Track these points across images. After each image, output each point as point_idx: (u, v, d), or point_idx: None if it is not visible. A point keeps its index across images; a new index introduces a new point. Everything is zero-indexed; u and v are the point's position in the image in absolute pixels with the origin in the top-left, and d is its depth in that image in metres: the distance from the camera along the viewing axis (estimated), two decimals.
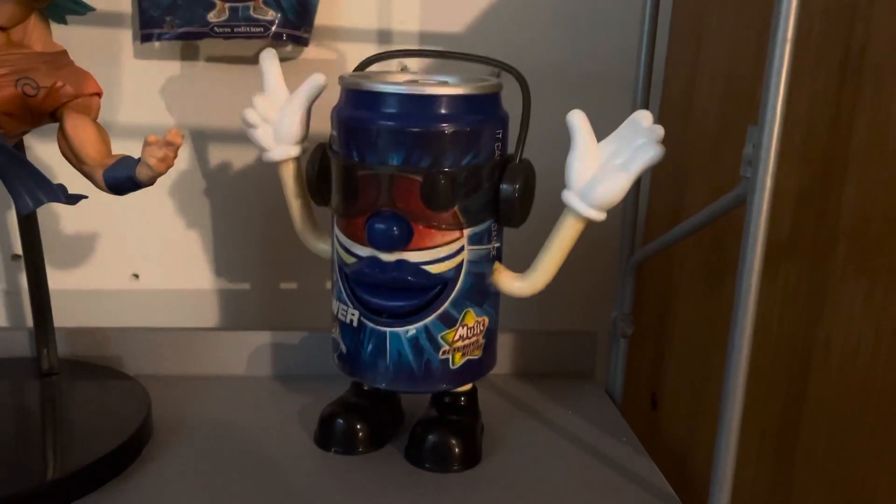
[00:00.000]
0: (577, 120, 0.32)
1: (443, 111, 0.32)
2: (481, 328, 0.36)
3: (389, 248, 0.33)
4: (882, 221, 0.28)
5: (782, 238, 0.34)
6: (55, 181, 0.31)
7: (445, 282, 0.34)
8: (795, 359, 0.33)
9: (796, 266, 0.33)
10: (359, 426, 0.37)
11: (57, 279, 0.42)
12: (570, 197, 0.33)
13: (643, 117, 0.32)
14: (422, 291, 0.34)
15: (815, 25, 0.32)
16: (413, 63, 0.49)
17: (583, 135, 0.32)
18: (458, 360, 0.35)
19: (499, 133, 0.34)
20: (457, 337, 0.35)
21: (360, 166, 0.33)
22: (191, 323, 0.53)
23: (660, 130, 0.32)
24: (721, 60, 0.42)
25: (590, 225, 0.34)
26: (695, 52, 0.45)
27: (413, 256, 0.33)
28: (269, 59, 0.37)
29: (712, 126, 0.43)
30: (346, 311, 0.35)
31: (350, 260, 0.34)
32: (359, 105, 0.33)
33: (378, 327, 0.34)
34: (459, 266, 0.34)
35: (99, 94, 0.33)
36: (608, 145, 0.33)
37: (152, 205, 0.51)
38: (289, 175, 0.37)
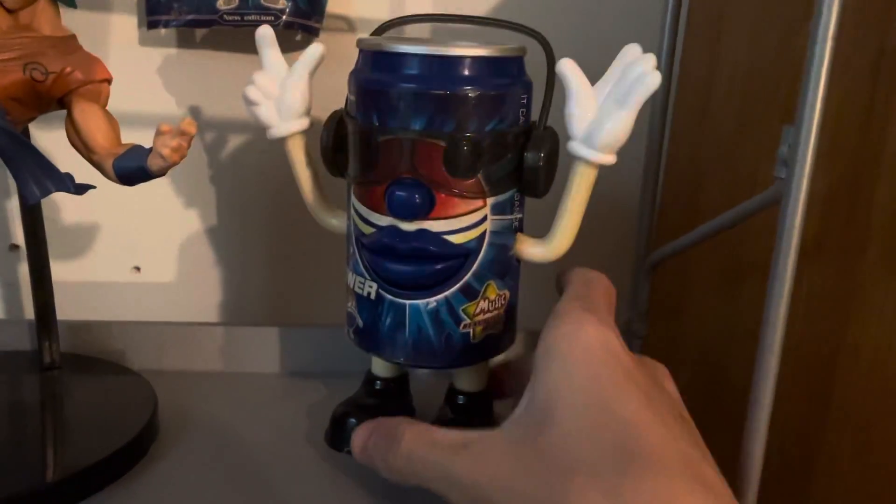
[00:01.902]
0: (568, 68, 0.31)
1: (468, 73, 0.31)
2: (502, 302, 0.35)
3: (411, 217, 0.32)
4: None
5: (807, 240, 0.33)
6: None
7: (468, 252, 0.33)
8: (820, 363, 0.32)
9: (821, 268, 0.32)
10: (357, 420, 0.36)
11: (55, 271, 0.41)
12: (575, 146, 0.32)
13: (632, 49, 0.31)
14: (444, 262, 0.33)
15: (845, 26, 0.31)
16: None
17: (576, 81, 0.31)
18: (479, 335, 0.34)
19: (524, 98, 0.33)
20: (478, 310, 0.34)
21: (381, 131, 0.31)
22: (192, 317, 0.52)
23: (652, 58, 0.30)
24: (741, 56, 0.41)
25: (600, 171, 0.32)
26: (713, 47, 0.44)
27: (435, 226, 0.32)
28: (266, 37, 0.35)
29: (730, 124, 0.42)
30: (364, 284, 0.34)
31: (368, 230, 0.33)
32: (379, 67, 0.32)
33: (397, 300, 0.33)
34: (482, 236, 0.33)
35: (108, 81, 0.32)
36: (603, 86, 0.31)
37: (154, 196, 0.50)
38: (297, 150, 0.36)
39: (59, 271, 0.49)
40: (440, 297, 0.33)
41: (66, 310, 0.43)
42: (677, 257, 0.42)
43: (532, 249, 0.35)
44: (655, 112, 0.41)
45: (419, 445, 0.30)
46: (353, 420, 0.36)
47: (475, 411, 0.37)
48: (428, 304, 0.33)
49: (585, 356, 0.28)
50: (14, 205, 0.49)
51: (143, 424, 0.35)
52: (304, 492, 0.33)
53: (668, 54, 0.41)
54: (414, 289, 0.33)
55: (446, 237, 0.32)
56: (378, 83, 0.32)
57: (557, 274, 0.37)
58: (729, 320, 0.41)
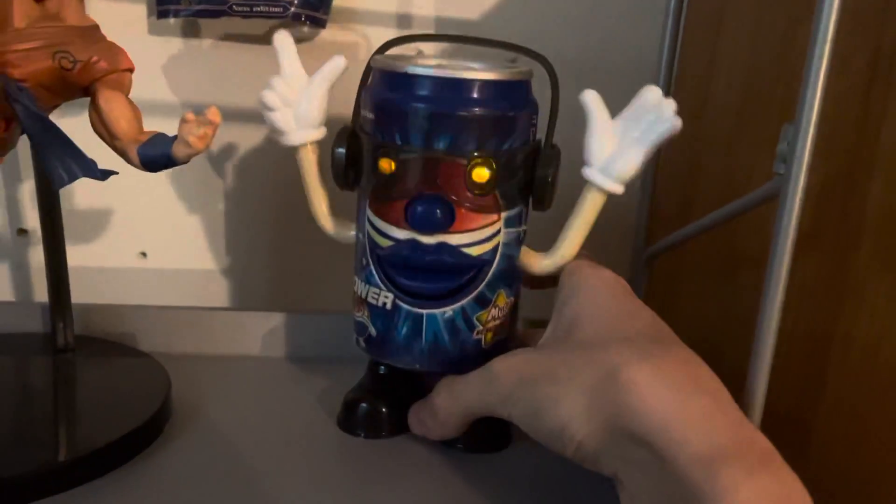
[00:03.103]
0: (592, 100, 0.34)
1: (488, 96, 0.33)
2: (509, 309, 0.37)
3: (432, 231, 0.33)
4: None
5: (802, 234, 0.35)
6: None
7: (483, 263, 0.35)
8: (813, 354, 0.34)
9: (815, 261, 0.34)
10: (384, 409, 0.37)
11: None
12: (592, 173, 0.34)
13: (652, 92, 0.33)
14: (461, 273, 0.35)
15: (843, 26, 0.33)
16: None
17: (598, 113, 0.33)
18: (490, 340, 0.36)
19: (534, 119, 0.35)
20: (490, 317, 0.36)
21: (403, 150, 0.33)
22: (197, 303, 0.53)
23: (673, 104, 0.33)
24: (739, 55, 0.42)
25: (609, 199, 0.35)
26: (712, 45, 0.45)
27: (454, 239, 0.34)
28: (285, 40, 0.36)
29: (727, 121, 0.43)
30: (378, 295, 0.35)
31: (385, 243, 0.34)
32: (402, 88, 0.33)
33: (414, 309, 0.35)
34: (495, 248, 0.35)
35: (131, 70, 0.33)
36: (622, 122, 0.34)
37: (161, 183, 0.51)
38: (310, 159, 0.36)
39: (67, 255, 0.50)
40: (456, 306, 0.35)
41: (73, 293, 0.43)
42: (673, 250, 0.43)
43: (540, 262, 0.36)
44: None
45: (447, 386, 0.35)
46: (364, 405, 0.37)
47: None
48: (444, 312, 0.35)
49: (607, 284, 0.33)
50: (23, 190, 0.49)
51: (158, 405, 0.36)
52: (315, 471, 0.34)
53: (669, 51, 0.42)
54: (432, 299, 0.35)
55: (464, 249, 0.34)
56: (402, 104, 0.33)
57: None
58: (724, 311, 0.42)
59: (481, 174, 0.33)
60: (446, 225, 0.33)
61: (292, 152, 0.36)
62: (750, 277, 0.40)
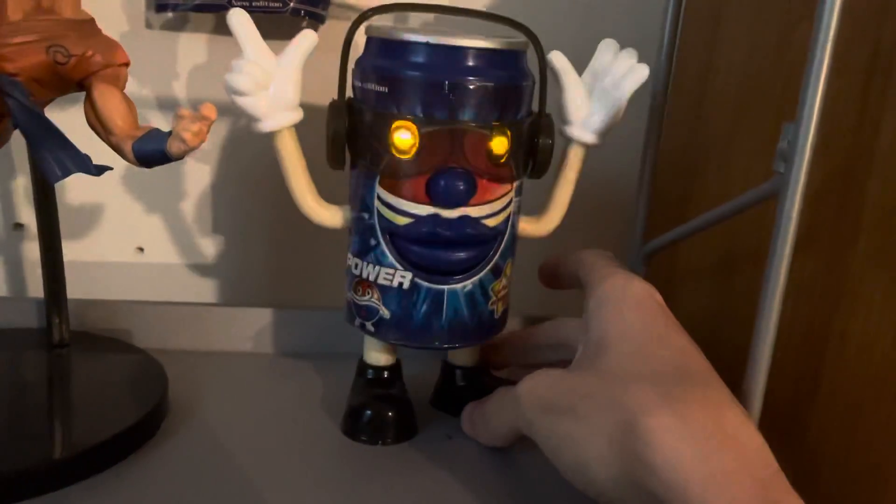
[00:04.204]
0: (559, 60, 0.36)
1: (507, 65, 0.33)
2: (511, 277, 0.37)
3: (457, 204, 0.33)
4: None
5: (800, 232, 0.35)
6: None
7: (497, 234, 0.35)
8: (809, 350, 0.34)
9: (812, 259, 0.34)
10: (390, 413, 0.37)
11: None
12: (574, 130, 0.36)
13: (612, 44, 0.36)
14: (481, 245, 0.35)
15: (841, 25, 0.33)
16: (407, 19, 0.49)
17: (568, 73, 0.36)
18: (500, 310, 0.37)
19: (533, 88, 0.35)
20: (501, 287, 0.36)
21: (427, 122, 0.32)
22: (194, 298, 0.53)
23: (630, 54, 0.36)
24: (737, 53, 0.42)
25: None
26: (710, 43, 0.45)
27: (474, 211, 0.33)
28: (243, 19, 0.32)
29: (726, 120, 0.43)
30: (393, 275, 0.34)
31: (402, 220, 0.33)
32: (426, 59, 0.32)
33: (435, 286, 0.34)
34: (507, 218, 0.35)
35: (127, 65, 0.33)
36: (589, 77, 0.36)
37: (158, 178, 0.50)
38: (290, 142, 0.34)
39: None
40: (475, 278, 0.35)
41: (69, 289, 0.43)
42: (670, 248, 0.43)
43: (528, 226, 0.37)
44: (653, 106, 0.43)
45: (499, 394, 0.35)
46: (368, 412, 0.37)
47: (471, 384, 0.39)
48: (465, 286, 0.35)
49: (635, 301, 0.31)
50: (18, 185, 0.49)
51: (155, 401, 0.35)
52: (312, 468, 0.34)
53: (668, 50, 0.42)
54: (453, 273, 0.34)
55: (483, 221, 0.34)
56: (425, 75, 0.32)
57: (550, 262, 0.39)
58: (722, 309, 0.42)
59: (502, 144, 0.33)
60: (470, 197, 0.33)
61: (269, 139, 0.34)
62: (748, 274, 0.40)
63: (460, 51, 0.32)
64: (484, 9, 0.50)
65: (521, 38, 0.34)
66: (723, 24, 0.44)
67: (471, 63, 0.32)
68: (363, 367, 0.38)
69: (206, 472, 0.33)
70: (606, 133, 0.36)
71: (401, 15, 0.49)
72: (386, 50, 0.33)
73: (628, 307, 0.31)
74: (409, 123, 0.32)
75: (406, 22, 0.50)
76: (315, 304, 0.47)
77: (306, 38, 0.32)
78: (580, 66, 0.36)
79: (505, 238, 0.35)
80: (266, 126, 0.33)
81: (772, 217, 0.30)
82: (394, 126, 0.32)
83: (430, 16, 0.49)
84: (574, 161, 0.37)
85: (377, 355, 0.38)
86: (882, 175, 0.30)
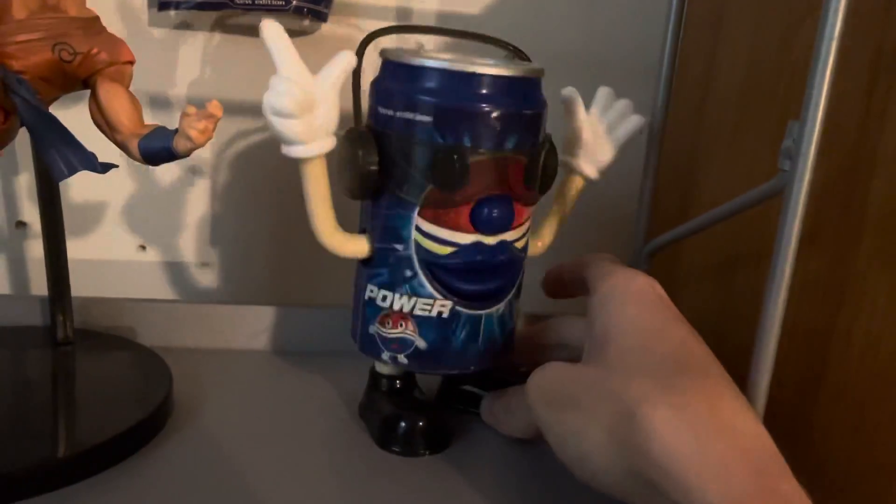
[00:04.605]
0: (572, 95, 0.38)
1: (535, 92, 0.34)
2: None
3: (501, 231, 0.34)
4: None
5: (804, 230, 0.35)
6: None
7: (522, 256, 0.36)
8: (814, 346, 0.34)
9: (817, 257, 0.34)
10: (421, 423, 0.36)
11: None
12: (577, 162, 0.39)
13: (602, 94, 0.39)
14: (512, 268, 0.35)
15: (846, 26, 0.33)
16: (408, 41, 0.49)
17: (578, 107, 0.38)
18: (517, 325, 0.38)
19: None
20: (519, 304, 0.37)
21: (473, 152, 0.32)
22: (197, 296, 0.53)
23: (625, 104, 0.39)
24: (740, 53, 0.42)
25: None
26: (713, 43, 0.45)
27: (510, 236, 0.34)
28: (279, 33, 0.29)
29: (728, 119, 0.43)
30: (432, 306, 0.34)
31: (444, 250, 0.33)
32: (471, 89, 0.32)
33: (475, 312, 0.35)
34: (527, 238, 0.36)
35: (132, 63, 0.33)
36: (595, 116, 0.39)
37: (161, 176, 0.50)
38: (320, 171, 0.32)
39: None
40: (506, 300, 0.36)
41: (73, 287, 0.43)
42: (673, 247, 0.43)
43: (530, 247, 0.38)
44: (656, 106, 0.43)
45: (511, 395, 0.36)
46: (403, 424, 0.36)
47: (474, 384, 0.40)
48: (498, 310, 0.35)
49: (637, 296, 0.32)
50: (21, 183, 0.49)
51: (160, 399, 0.35)
52: (318, 464, 0.34)
53: (671, 50, 0.42)
54: (490, 299, 0.35)
55: (515, 244, 0.35)
56: (473, 105, 0.32)
57: (554, 271, 0.39)
58: (725, 307, 0.42)
59: (533, 169, 0.34)
60: (511, 223, 0.34)
61: (298, 164, 0.31)
62: (751, 274, 0.40)
63: (503, 80, 0.32)
64: (487, 14, 0.50)
65: (535, 64, 0.35)
66: (725, 24, 0.44)
67: (511, 91, 0.33)
68: (377, 376, 0.38)
69: (210, 469, 0.33)
70: (604, 170, 0.39)
71: (401, 36, 0.49)
72: (425, 77, 0.32)
73: (630, 302, 0.32)
74: (455, 153, 0.32)
75: (405, 43, 0.50)
76: (318, 302, 0.47)
77: (344, 60, 0.31)
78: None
79: (524, 258, 0.36)
80: (301, 152, 0.31)
81: (775, 216, 0.30)
82: (436, 155, 0.32)
83: (427, 38, 0.50)
84: (573, 191, 0.39)
85: (387, 365, 0.37)
86: (887, 174, 0.30)
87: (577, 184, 0.39)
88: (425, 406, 0.37)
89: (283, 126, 0.30)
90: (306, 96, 0.29)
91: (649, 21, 0.49)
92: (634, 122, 0.39)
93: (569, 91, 0.38)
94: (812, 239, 0.34)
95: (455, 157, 0.32)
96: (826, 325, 0.33)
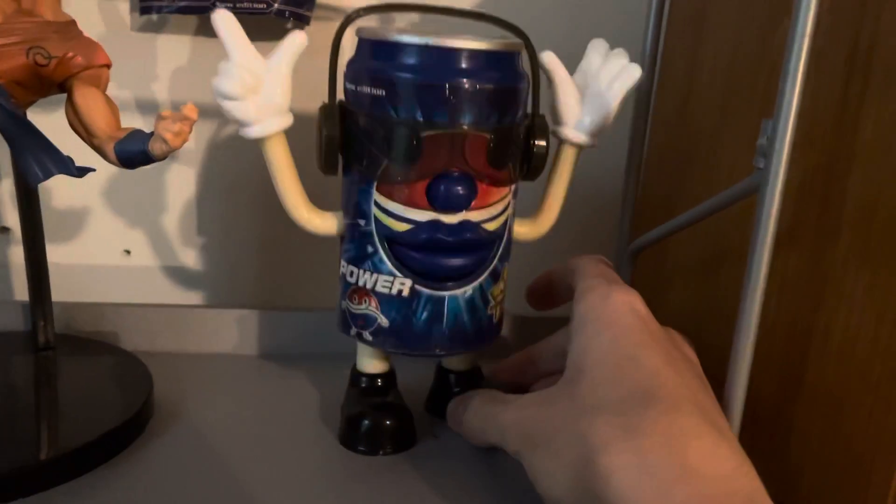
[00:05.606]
0: (551, 60, 0.36)
1: (505, 67, 0.33)
2: (507, 281, 0.37)
3: (458, 209, 0.33)
4: (887, 214, 0.29)
5: (781, 228, 0.35)
6: None
7: (496, 238, 0.35)
8: (793, 344, 0.34)
9: (795, 254, 0.34)
10: (388, 423, 0.36)
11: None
12: (567, 132, 0.36)
13: (602, 44, 0.36)
14: (480, 250, 0.34)
15: (821, 23, 0.33)
16: (391, 20, 0.49)
17: (560, 73, 0.36)
18: (498, 314, 0.37)
19: (528, 90, 0.35)
20: (499, 291, 0.36)
21: (427, 126, 0.31)
22: (182, 300, 0.53)
23: (620, 55, 0.36)
24: (721, 51, 0.42)
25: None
26: (694, 41, 0.45)
27: (475, 216, 0.33)
28: (229, 20, 0.30)
29: (710, 117, 0.43)
30: (391, 283, 0.34)
31: (401, 227, 0.33)
32: (426, 62, 0.31)
33: (436, 293, 0.34)
34: (505, 221, 0.35)
35: (108, 66, 0.33)
36: (580, 77, 0.36)
37: (145, 179, 0.50)
38: (280, 148, 0.33)
39: (48, 253, 0.49)
40: (475, 283, 0.34)
41: (55, 291, 0.43)
42: (657, 245, 0.44)
43: (523, 228, 0.37)
44: (639, 105, 0.43)
45: (482, 403, 0.34)
46: (366, 421, 0.36)
47: (466, 388, 0.38)
48: (465, 292, 0.34)
49: (613, 317, 0.31)
50: (4, 188, 0.49)
51: (140, 403, 0.35)
52: (298, 468, 0.34)
53: (652, 47, 0.42)
54: (453, 279, 0.34)
55: (483, 225, 0.34)
56: (426, 78, 0.31)
57: (541, 280, 0.39)
58: (708, 305, 0.43)
59: (502, 147, 0.33)
60: (471, 201, 0.33)
61: (257, 144, 0.33)
62: (733, 271, 0.40)
63: (459, 53, 0.31)
64: (471, 8, 0.50)
65: (514, 38, 0.34)
66: (707, 22, 0.44)
67: (470, 65, 0.32)
68: (356, 375, 0.38)
69: (191, 472, 0.33)
70: (599, 134, 0.36)
71: (387, 15, 0.49)
72: (382, 52, 0.32)
73: (604, 328, 0.31)
74: (409, 127, 0.31)
75: (393, 22, 0.50)
76: (301, 306, 0.47)
77: (295, 40, 0.31)
78: (567, 64, 0.36)
79: (503, 242, 0.35)
80: (255, 132, 0.32)
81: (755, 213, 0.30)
82: (390, 130, 0.32)
83: (414, 15, 0.49)
84: (567, 162, 0.37)
85: (371, 363, 0.37)
86: (862, 171, 0.30)
87: (568, 155, 0.37)
88: (392, 406, 0.37)
89: (232, 108, 0.31)
90: (252, 78, 0.30)
91: (632, 18, 0.49)
92: (629, 75, 0.36)
93: (545, 56, 0.35)
94: (791, 237, 0.35)
95: (406, 131, 0.31)
96: (806, 323, 0.33)
